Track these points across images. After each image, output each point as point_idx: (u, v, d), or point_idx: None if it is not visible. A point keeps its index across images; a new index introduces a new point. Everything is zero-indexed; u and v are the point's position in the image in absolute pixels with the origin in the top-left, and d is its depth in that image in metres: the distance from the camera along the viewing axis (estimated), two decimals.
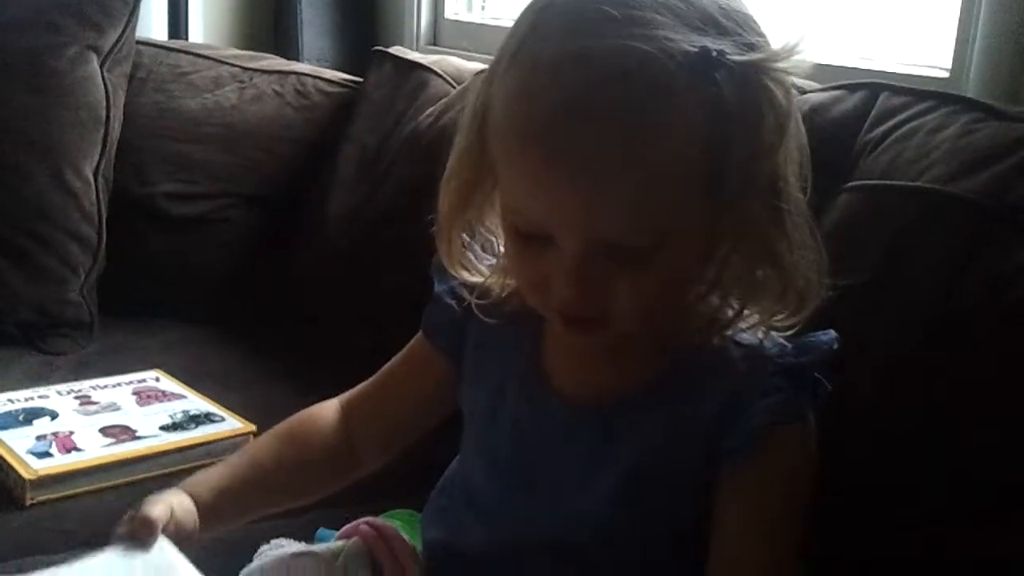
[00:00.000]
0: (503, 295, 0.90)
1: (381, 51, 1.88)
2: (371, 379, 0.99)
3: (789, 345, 0.83)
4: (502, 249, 0.89)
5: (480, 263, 0.91)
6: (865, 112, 1.21)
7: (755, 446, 0.80)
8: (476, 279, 0.91)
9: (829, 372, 0.83)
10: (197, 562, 1.17)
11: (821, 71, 1.46)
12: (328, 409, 0.99)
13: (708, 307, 0.83)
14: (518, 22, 0.80)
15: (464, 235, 0.89)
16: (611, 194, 0.74)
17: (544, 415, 0.86)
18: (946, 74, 1.46)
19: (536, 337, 0.89)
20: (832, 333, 0.84)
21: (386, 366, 0.99)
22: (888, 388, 1.00)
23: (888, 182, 1.10)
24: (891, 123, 1.17)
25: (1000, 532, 0.92)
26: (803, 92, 1.29)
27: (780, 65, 0.76)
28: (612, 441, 0.83)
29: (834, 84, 1.29)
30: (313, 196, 1.81)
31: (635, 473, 0.82)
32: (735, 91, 0.74)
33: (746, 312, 0.82)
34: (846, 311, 1.02)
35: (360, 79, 1.91)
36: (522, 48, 0.77)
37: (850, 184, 1.14)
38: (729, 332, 0.83)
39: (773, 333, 0.83)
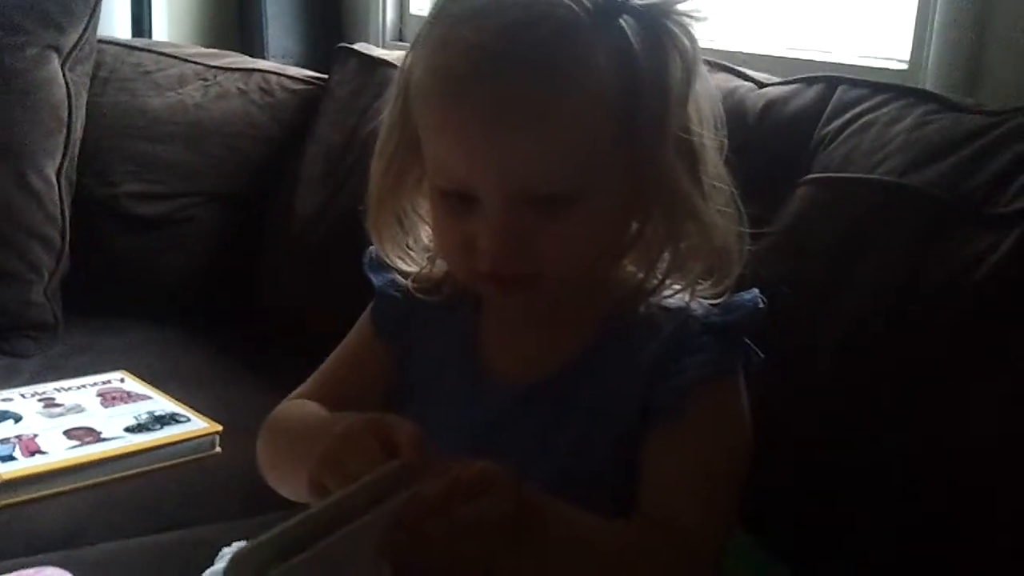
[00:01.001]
0: (437, 278, 0.91)
1: (345, 48, 1.88)
2: (316, 375, 0.98)
3: (715, 307, 0.84)
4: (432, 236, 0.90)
5: (412, 254, 0.92)
6: (823, 105, 1.22)
7: (684, 403, 0.81)
8: (410, 268, 0.92)
9: (757, 331, 0.84)
10: (159, 562, 1.18)
11: (780, 64, 1.48)
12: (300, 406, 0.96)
13: (633, 278, 0.84)
14: None
15: (394, 222, 0.90)
16: (525, 141, 0.76)
17: (483, 402, 0.87)
18: (904, 66, 1.47)
19: (472, 321, 0.90)
20: (755, 292, 0.85)
21: (328, 363, 0.98)
22: (848, 376, 1.02)
23: (844, 175, 1.12)
24: (848, 116, 1.18)
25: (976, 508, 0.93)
26: (761, 86, 1.30)
27: (681, 7, 0.80)
28: (553, 421, 0.84)
29: (792, 78, 1.30)
30: (279, 194, 1.80)
31: (578, 449, 0.83)
32: (640, 35, 0.78)
33: (670, 281, 0.84)
34: (804, 301, 1.04)
35: (325, 76, 1.90)
36: (440, 12, 0.82)
37: (808, 177, 1.15)
38: (654, 300, 0.84)
39: (702, 299, 0.84)
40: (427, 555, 0.70)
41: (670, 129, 0.79)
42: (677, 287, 0.84)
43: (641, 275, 0.84)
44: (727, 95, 1.27)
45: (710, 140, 0.82)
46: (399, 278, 0.92)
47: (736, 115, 1.24)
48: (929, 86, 1.32)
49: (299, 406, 0.93)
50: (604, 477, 0.83)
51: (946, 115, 1.11)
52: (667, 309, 0.84)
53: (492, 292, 0.84)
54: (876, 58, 1.55)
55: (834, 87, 1.24)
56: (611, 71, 0.78)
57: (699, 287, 0.84)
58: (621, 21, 0.78)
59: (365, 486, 0.68)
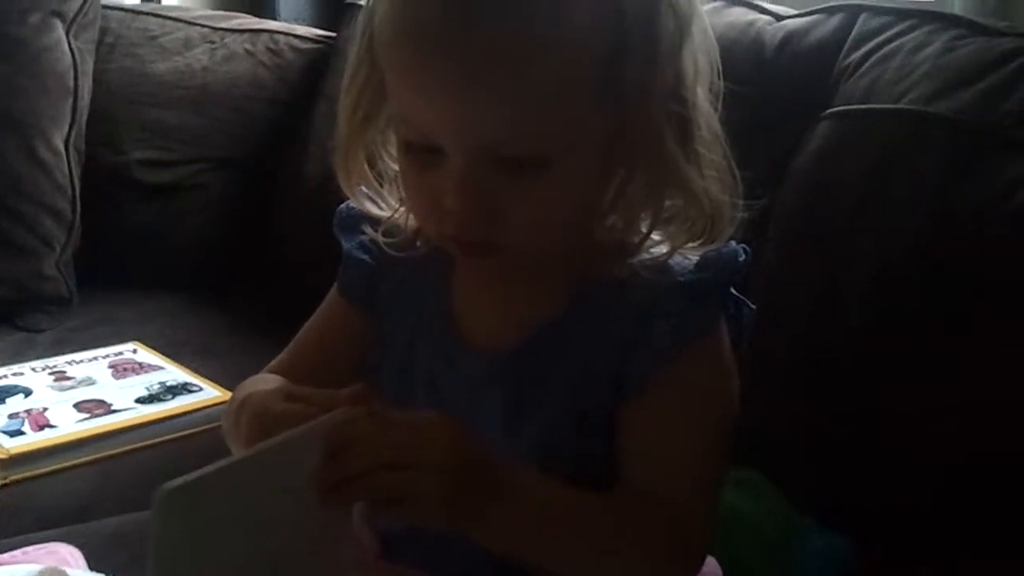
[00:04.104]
0: (412, 230, 0.84)
1: (353, 4, 1.83)
2: (289, 346, 0.91)
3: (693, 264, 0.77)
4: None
5: (388, 198, 0.85)
6: (844, 36, 1.16)
7: (652, 374, 0.74)
8: (381, 213, 0.85)
9: (739, 285, 0.77)
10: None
11: None
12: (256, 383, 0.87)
13: (614, 233, 0.78)
14: None
15: (364, 162, 0.82)
16: (497, 97, 0.69)
17: (458, 369, 0.81)
18: None
19: (444, 282, 0.84)
20: (732, 244, 0.77)
21: (300, 333, 0.91)
22: (877, 313, 0.97)
23: (869, 106, 1.06)
24: (871, 45, 1.12)
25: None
26: (779, 19, 1.25)
27: None
28: (530, 390, 0.78)
29: (811, 9, 1.23)
30: (289, 157, 1.76)
31: (556, 418, 0.77)
32: None
33: (655, 238, 0.77)
34: (827, 243, 0.99)
35: (334, 35, 1.86)
36: None
37: (830, 111, 1.09)
38: (636, 259, 0.77)
39: (687, 254, 0.77)
40: (354, 489, 0.66)
41: (658, 90, 0.72)
42: (660, 249, 0.77)
43: (621, 225, 0.77)
44: (744, 30, 1.21)
45: (704, 99, 0.74)
46: (369, 234, 0.85)
47: (753, 50, 1.19)
48: (958, 11, 1.25)
49: (256, 383, 0.85)
50: (577, 457, 0.77)
51: (975, 39, 1.05)
52: (644, 269, 0.76)
53: (459, 255, 0.78)
54: None
55: (856, 16, 1.17)
56: (596, 31, 0.70)
57: (687, 247, 0.77)
58: None
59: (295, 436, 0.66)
